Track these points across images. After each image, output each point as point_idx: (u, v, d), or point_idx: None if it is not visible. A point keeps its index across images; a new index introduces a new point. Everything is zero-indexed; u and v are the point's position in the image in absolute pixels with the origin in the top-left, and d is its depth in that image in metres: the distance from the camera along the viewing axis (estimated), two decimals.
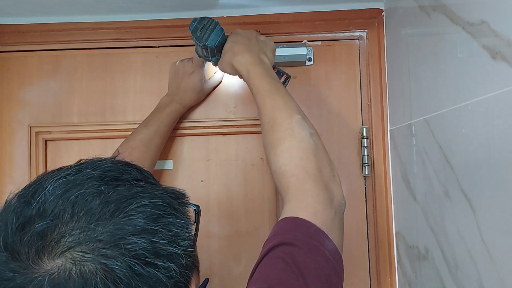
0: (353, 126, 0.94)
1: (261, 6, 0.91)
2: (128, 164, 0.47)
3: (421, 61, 0.72)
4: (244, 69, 0.70)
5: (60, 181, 0.42)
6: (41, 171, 0.93)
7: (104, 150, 0.94)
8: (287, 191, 0.59)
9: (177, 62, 0.89)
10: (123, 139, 0.85)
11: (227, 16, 0.93)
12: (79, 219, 0.39)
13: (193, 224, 0.49)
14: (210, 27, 0.74)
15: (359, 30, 0.95)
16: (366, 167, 0.92)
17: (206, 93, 0.93)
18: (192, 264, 0.45)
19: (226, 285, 0.94)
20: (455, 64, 0.59)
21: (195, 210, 0.50)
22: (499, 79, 0.48)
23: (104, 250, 0.38)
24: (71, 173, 0.43)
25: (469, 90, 0.55)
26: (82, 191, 0.40)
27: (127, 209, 0.40)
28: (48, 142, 0.95)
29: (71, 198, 0.40)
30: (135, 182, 0.44)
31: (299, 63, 0.93)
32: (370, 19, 0.93)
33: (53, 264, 0.37)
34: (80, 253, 0.37)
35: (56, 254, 0.38)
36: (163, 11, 0.92)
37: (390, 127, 0.91)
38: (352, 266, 0.92)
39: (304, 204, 0.57)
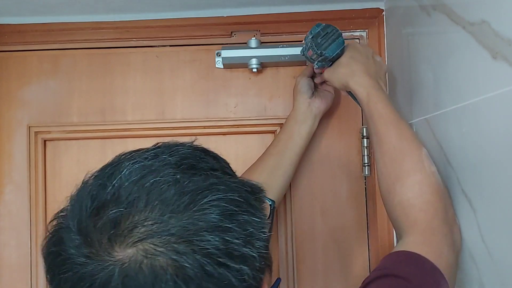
0: (353, 126, 0.94)
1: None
2: (205, 151, 0.45)
3: (421, 60, 0.72)
4: (364, 91, 0.68)
5: (137, 165, 0.40)
6: (40, 171, 0.92)
7: (103, 150, 0.94)
8: (413, 226, 0.57)
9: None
10: (123, 139, 0.85)
11: (227, 16, 0.92)
12: (153, 208, 0.37)
13: (269, 222, 0.46)
14: (332, 36, 0.73)
15: (359, 30, 0.95)
16: (367, 167, 0.92)
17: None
18: (265, 266, 0.42)
19: None
20: (456, 63, 0.59)
21: (270, 205, 0.47)
22: (500, 79, 0.48)
23: (175, 245, 0.36)
24: (147, 158, 0.41)
25: (469, 90, 0.55)
26: (157, 178, 0.38)
27: (202, 202, 0.38)
28: (47, 142, 0.95)
29: (146, 185, 0.38)
30: (211, 172, 0.42)
31: (299, 63, 0.93)
32: (371, 18, 0.93)
33: (125, 254, 0.36)
34: (152, 246, 0.36)
35: (128, 244, 0.36)
36: (163, 11, 0.91)
37: None
38: (352, 266, 0.92)
39: (430, 242, 0.55)
